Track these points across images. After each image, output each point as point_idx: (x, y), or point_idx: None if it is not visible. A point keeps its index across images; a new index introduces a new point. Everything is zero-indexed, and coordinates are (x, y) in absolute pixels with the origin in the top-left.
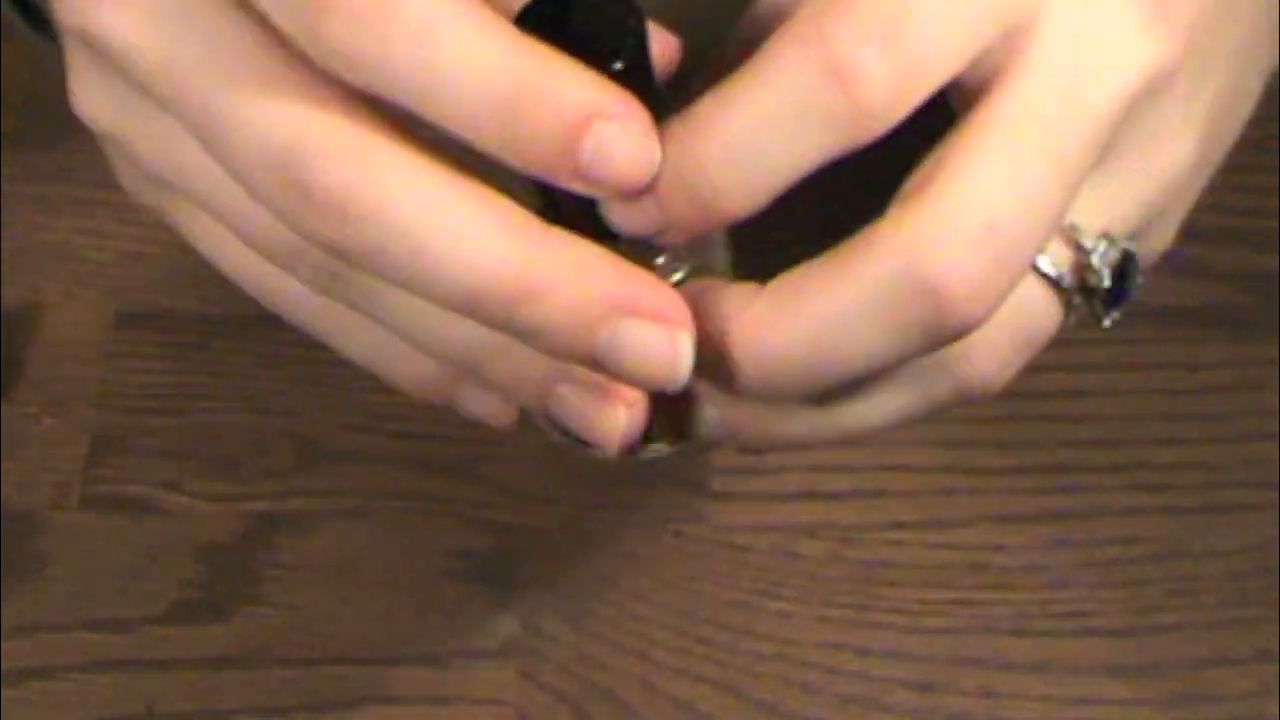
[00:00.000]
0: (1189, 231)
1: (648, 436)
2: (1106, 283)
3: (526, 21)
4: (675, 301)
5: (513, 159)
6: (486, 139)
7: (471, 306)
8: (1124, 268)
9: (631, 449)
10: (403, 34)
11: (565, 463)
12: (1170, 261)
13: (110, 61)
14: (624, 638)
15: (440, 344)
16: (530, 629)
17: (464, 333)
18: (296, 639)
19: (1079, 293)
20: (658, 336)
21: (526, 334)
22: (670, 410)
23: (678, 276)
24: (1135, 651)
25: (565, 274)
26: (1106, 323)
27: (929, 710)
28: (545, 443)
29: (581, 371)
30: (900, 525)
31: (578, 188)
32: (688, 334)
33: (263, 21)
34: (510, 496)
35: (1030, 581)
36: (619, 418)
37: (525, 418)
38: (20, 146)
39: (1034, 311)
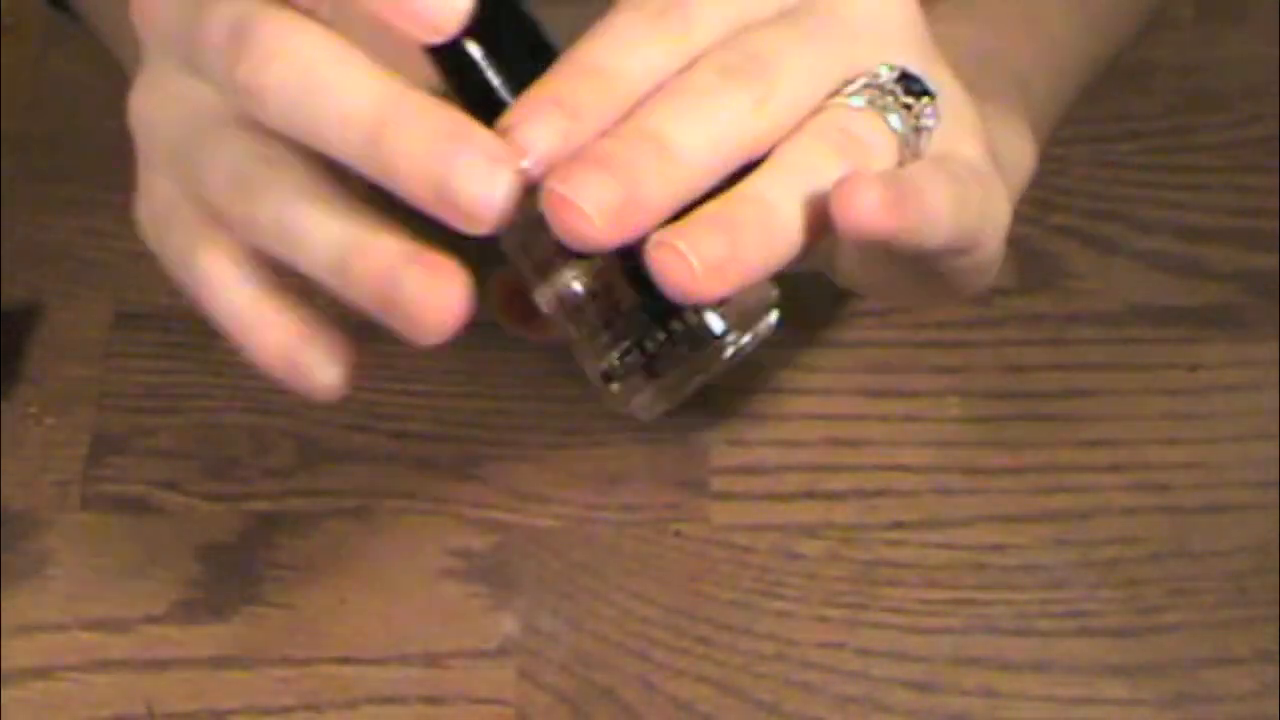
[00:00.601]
0: (1189, 231)
1: (724, 331)
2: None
3: None
4: (503, 146)
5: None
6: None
7: (344, 129)
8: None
9: (718, 345)
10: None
11: (565, 463)
12: (1170, 261)
13: None
14: (624, 638)
15: (312, 241)
16: (530, 629)
17: (334, 228)
18: (296, 639)
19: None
20: (484, 169)
21: (386, 159)
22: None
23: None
24: (1135, 651)
25: (418, 111)
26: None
27: (929, 710)
28: (545, 443)
29: (426, 255)
30: (900, 525)
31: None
32: (510, 172)
33: None
34: (510, 496)
35: (1030, 581)
36: (453, 291)
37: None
38: (20, 146)
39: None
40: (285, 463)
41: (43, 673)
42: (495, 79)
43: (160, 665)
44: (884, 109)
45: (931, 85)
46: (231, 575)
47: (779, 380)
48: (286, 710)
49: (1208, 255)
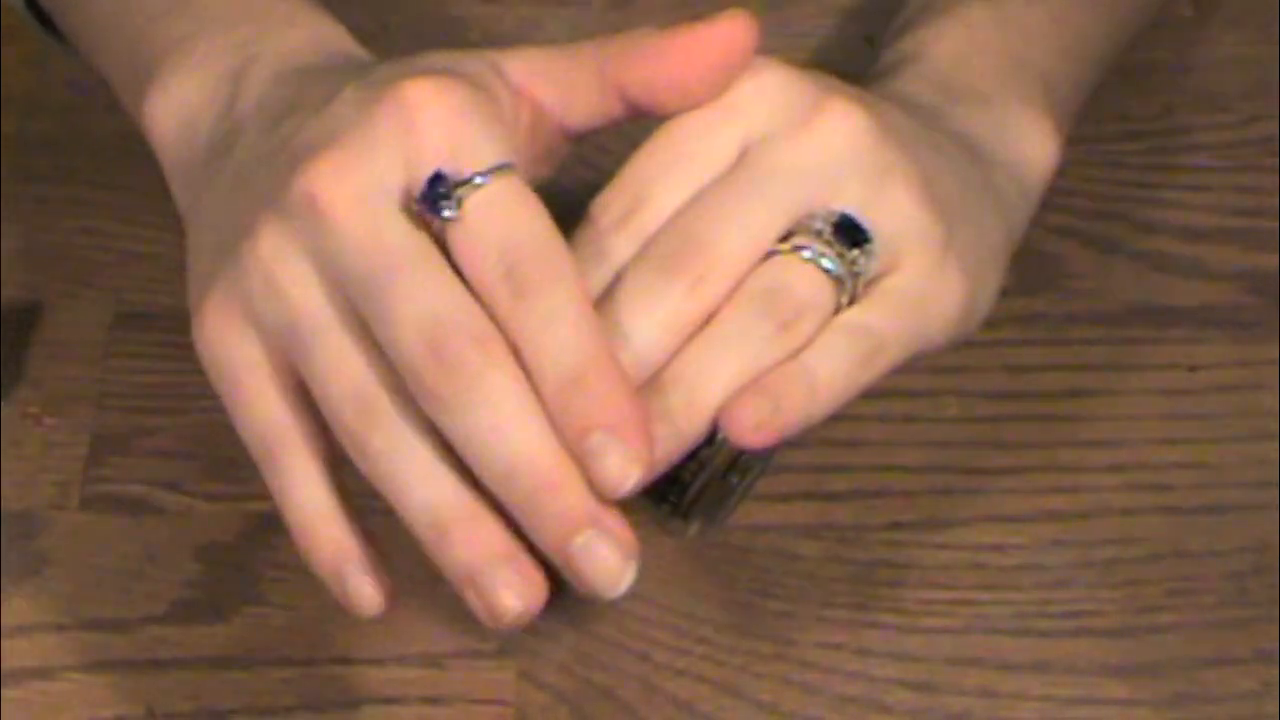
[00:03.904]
0: (1189, 231)
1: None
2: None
3: None
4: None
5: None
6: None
7: (507, 478)
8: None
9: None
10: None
11: None
12: (1170, 261)
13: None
14: (624, 638)
15: (420, 493)
16: (530, 629)
17: (444, 490)
18: (296, 639)
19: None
20: (616, 556)
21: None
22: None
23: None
24: (1135, 651)
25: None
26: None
27: (929, 710)
28: None
29: (520, 559)
30: (900, 525)
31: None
32: (635, 563)
33: None
34: None
35: (1030, 581)
36: (533, 596)
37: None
38: (20, 146)
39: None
40: None
41: (43, 673)
42: None
43: (160, 665)
44: (820, 257)
45: (870, 227)
46: (231, 575)
47: None
48: (286, 710)
49: (1208, 255)
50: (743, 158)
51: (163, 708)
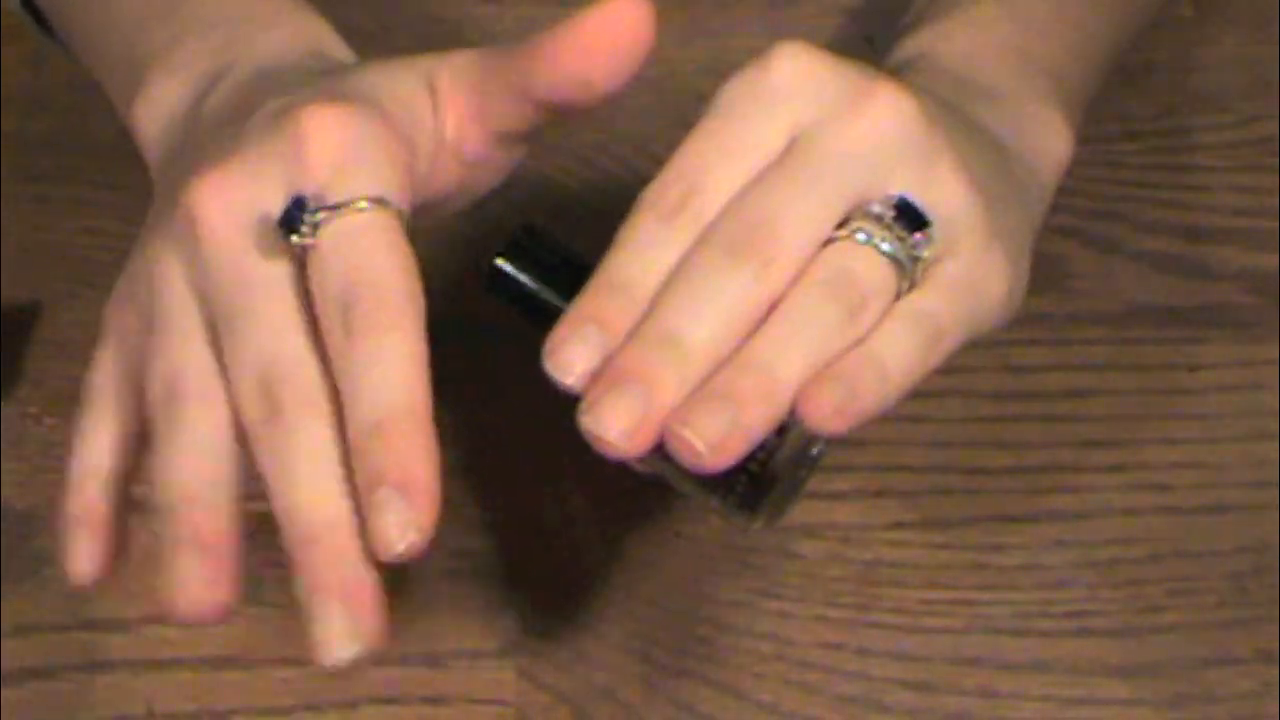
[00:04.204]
0: (1189, 231)
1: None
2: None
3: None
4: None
5: None
6: None
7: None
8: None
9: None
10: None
11: (565, 463)
12: (1170, 261)
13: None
14: (624, 638)
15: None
16: (530, 629)
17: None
18: (296, 639)
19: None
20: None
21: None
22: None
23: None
24: (1135, 651)
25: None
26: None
27: (929, 710)
28: (545, 443)
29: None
30: (900, 525)
31: None
32: (364, 646)
33: None
34: (510, 497)
35: (1030, 581)
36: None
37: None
38: (20, 146)
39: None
40: None
41: (43, 673)
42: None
43: (160, 665)
44: (880, 242)
45: (928, 212)
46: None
47: None
48: (286, 710)
49: (1208, 255)
50: (793, 145)
51: (163, 708)
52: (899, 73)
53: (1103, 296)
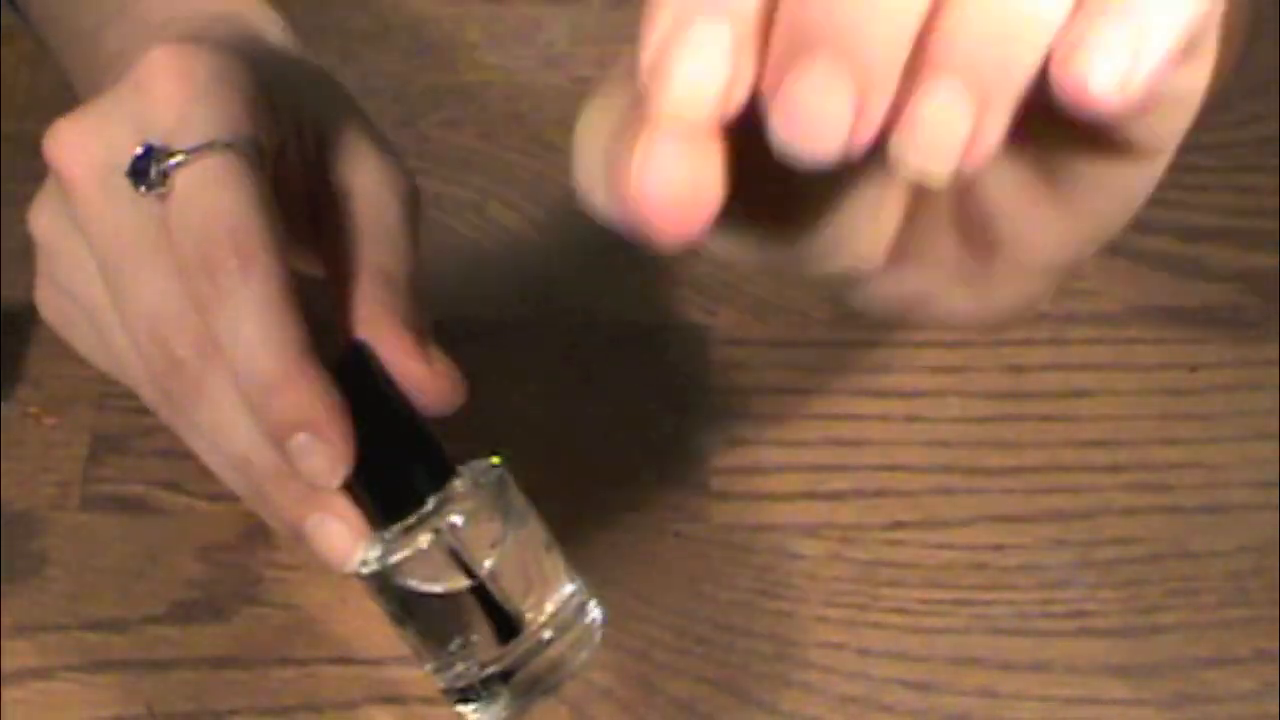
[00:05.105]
0: (1189, 231)
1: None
2: None
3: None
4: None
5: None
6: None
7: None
8: None
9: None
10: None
11: (565, 463)
12: (1170, 261)
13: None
14: (624, 638)
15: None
16: None
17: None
18: (296, 639)
19: None
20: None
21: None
22: None
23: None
24: (1135, 651)
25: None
26: None
27: (929, 710)
28: (545, 443)
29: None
30: (900, 525)
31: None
32: (365, 540)
33: None
34: None
35: (1030, 581)
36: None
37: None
38: (20, 146)
39: None
40: None
41: (43, 673)
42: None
43: (160, 665)
44: None
45: None
46: (231, 575)
47: (779, 380)
48: (286, 710)
49: (1208, 255)
50: None
51: (163, 708)
52: None
53: (1103, 296)
